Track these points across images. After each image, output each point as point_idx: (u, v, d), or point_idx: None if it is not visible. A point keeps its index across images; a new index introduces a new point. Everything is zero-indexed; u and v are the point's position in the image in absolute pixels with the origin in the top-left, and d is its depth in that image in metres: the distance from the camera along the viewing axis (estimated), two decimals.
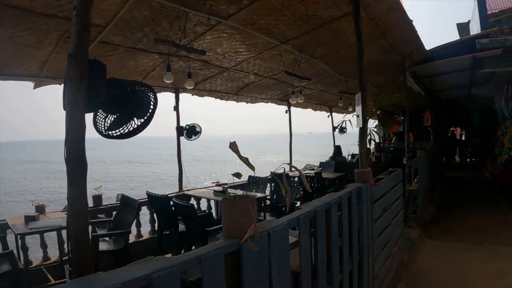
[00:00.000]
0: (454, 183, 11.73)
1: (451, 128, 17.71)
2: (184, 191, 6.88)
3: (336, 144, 11.43)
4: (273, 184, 7.25)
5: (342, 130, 11.80)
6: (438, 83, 9.61)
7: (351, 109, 11.95)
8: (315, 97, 10.54)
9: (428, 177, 8.19)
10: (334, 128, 12.02)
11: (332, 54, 6.63)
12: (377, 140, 16.06)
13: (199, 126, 7.36)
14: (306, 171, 9.35)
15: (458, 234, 6.29)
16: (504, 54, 6.69)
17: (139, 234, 6.03)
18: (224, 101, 8.80)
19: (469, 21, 16.89)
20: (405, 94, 7.48)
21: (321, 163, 10.22)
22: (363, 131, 4.01)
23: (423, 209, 7.30)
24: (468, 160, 17.55)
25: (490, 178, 11.66)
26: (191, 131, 7.28)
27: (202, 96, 8.09)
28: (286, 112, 10.33)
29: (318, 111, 13.16)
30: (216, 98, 8.51)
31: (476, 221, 7.06)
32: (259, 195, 6.11)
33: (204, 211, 6.51)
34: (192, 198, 6.60)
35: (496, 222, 6.90)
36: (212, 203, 6.76)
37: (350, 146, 15.02)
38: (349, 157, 10.98)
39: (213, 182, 8.17)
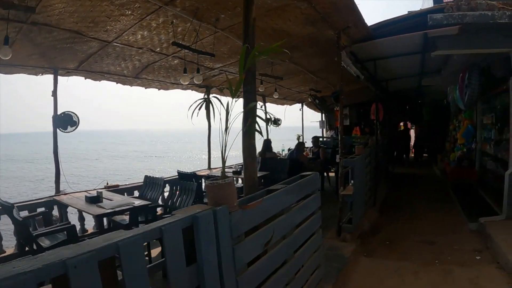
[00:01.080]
0: (402, 181, 10.73)
1: (401, 123, 16.88)
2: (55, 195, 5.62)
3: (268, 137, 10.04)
4: (175, 187, 5.59)
5: (276, 122, 10.32)
6: (384, 70, 8.40)
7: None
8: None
9: (370, 176, 7.06)
10: (267, 121, 10.44)
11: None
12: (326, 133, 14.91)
13: (76, 116, 5.65)
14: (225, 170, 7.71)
15: (403, 248, 5.21)
16: (461, 33, 5.53)
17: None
18: (129, 86, 7.43)
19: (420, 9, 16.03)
20: (344, 80, 6.17)
21: None
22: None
23: (362, 216, 6.10)
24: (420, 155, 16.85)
25: (441, 175, 10.73)
26: (67, 121, 5.53)
27: (97, 79, 6.67)
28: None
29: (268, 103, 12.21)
30: (117, 83, 7.12)
31: (426, 229, 6.05)
32: (137, 203, 4.63)
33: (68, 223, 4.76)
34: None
35: (449, 230, 5.95)
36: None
37: (288, 142, 13.56)
38: (283, 153, 9.44)
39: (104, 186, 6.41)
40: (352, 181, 5.54)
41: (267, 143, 8.68)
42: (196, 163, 32.92)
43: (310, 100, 10.46)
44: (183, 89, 8.37)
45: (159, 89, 7.92)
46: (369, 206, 6.93)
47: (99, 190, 5.30)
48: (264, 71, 7.42)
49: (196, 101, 2.28)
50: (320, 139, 13.90)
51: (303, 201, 3.06)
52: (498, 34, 5.69)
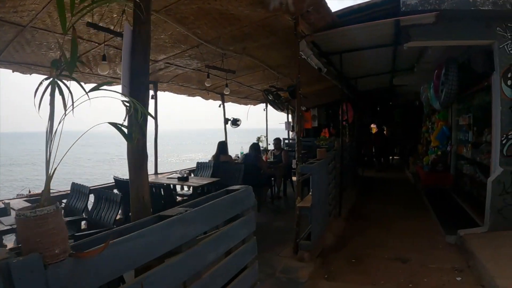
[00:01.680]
0: (372, 186, 10.05)
1: (372, 124, 16.38)
2: None
3: (227, 139, 9.21)
4: (100, 197, 4.61)
5: (235, 123, 9.45)
6: (351, 66, 7.71)
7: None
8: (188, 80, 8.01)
9: (335, 183, 6.33)
10: (226, 121, 9.62)
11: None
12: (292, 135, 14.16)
13: None
14: (172, 175, 6.77)
15: (372, 268, 4.48)
16: (438, 21, 4.92)
17: None
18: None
19: None
20: (310, 77, 5.39)
21: (198, 164, 7.70)
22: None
23: (324, 229, 5.33)
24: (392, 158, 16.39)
25: (414, 180, 10.14)
26: None
27: (25, 72, 5.71)
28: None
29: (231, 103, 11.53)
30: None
31: (398, 243, 5.36)
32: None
33: None
34: None
35: (424, 244, 5.27)
36: None
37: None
38: (239, 156, 8.53)
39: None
40: (311, 190, 4.72)
41: (222, 145, 7.79)
42: (159, 167, 31.51)
43: (263, 96, 9.57)
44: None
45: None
46: (333, 216, 6.17)
47: (7, 201, 4.31)
48: (213, 63, 6.52)
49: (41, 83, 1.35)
50: (286, 141, 13.16)
51: (225, 227, 2.14)
52: (480, 24, 5.06)
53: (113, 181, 5.95)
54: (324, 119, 14.78)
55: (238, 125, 9.88)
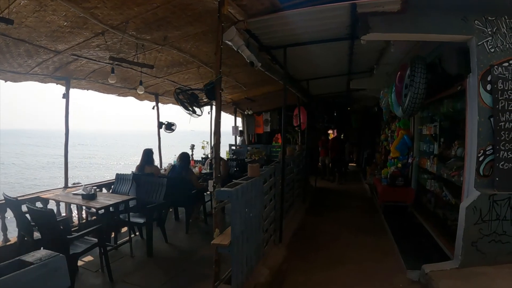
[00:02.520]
0: (325, 201, 9.05)
1: (329, 131, 15.63)
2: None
3: (157, 146, 7.93)
4: None
5: (170, 127, 8.17)
6: (300, 64, 6.71)
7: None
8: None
9: (275, 203, 5.22)
10: (160, 125, 8.29)
11: None
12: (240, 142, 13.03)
13: None
14: (79, 190, 5.39)
15: None
16: (404, 10, 4.00)
17: None
18: None
19: None
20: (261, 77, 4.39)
21: (117, 176, 6.28)
22: None
23: (257, 263, 4.22)
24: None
25: (371, 192, 9.31)
26: None
27: None
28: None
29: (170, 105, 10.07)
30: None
31: (349, 280, 4.40)
32: None
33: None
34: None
35: (381, 282, 4.33)
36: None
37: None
38: (170, 166, 7.14)
39: None
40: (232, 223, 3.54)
41: (147, 153, 6.51)
42: (97, 173, 29.42)
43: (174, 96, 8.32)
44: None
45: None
46: (273, 244, 5.03)
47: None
48: (128, 56, 5.23)
49: None
50: (233, 147, 11.98)
51: None
52: (455, 16, 4.17)
53: None
54: (277, 123, 13.79)
55: (172, 130, 8.59)
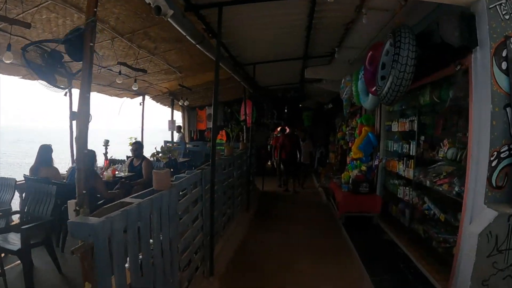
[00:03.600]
0: (273, 209, 7.59)
1: (279, 128, 14.39)
2: None
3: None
4: None
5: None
6: (244, 43, 5.34)
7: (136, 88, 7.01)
8: None
9: (204, 223, 3.83)
10: (73, 116, 6.38)
11: None
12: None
13: None
14: None
15: None
16: None
17: None
18: None
19: None
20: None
21: None
22: None
23: None
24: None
25: (327, 198, 8.15)
26: None
27: None
28: None
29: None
30: None
31: None
32: None
33: None
34: None
35: None
36: None
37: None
38: (70, 168, 5.27)
39: None
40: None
41: (43, 151, 4.77)
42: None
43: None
44: None
45: None
46: (202, 277, 3.56)
47: None
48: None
49: None
50: (169, 144, 10.29)
51: None
52: None
53: None
54: (221, 119, 12.31)
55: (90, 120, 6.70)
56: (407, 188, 5.08)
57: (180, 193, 2.90)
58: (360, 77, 5.35)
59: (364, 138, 6.32)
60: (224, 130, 12.21)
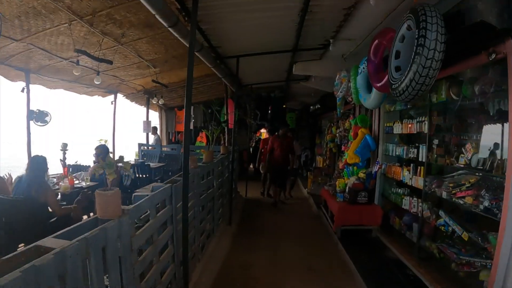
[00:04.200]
0: (258, 220, 6.82)
1: (262, 129, 13.68)
2: None
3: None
4: None
5: (42, 118, 5.68)
6: (226, 31, 4.61)
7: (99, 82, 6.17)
8: None
9: (175, 244, 3.55)
10: (30, 115, 5.70)
11: None
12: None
13: None
14: None
15: None
16: None
17: None
18: None
19: None
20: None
21: None
22: None
23: None
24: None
25: (317, 207, 7.46)
26: None
27: None
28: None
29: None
30: None
31: None
32: None
33: None
34: None
35: None
36: None
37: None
38: (17, 179, 4.33)
39: None
40: None
41: None
42: None
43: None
44: None
45: None
46: None
47: None
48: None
49: None
50: (144, 148, 9.42)
51: None
52: None
53: None
54: (202, 120, 11.51)
55: (46, 122, 5.89)
56: (414, 198, 4.43)
57: (141, 216, 2.13)
58: (360, 71, 4.68)
59: (360, 141, 5.67)
60: (204, 132, 11.43)
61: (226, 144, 8.13)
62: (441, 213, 3.81)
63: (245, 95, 10.72)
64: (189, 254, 3.18)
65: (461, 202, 3.35)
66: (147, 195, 2.12)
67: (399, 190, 4.94)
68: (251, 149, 12.64)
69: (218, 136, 10.84)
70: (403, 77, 2.96)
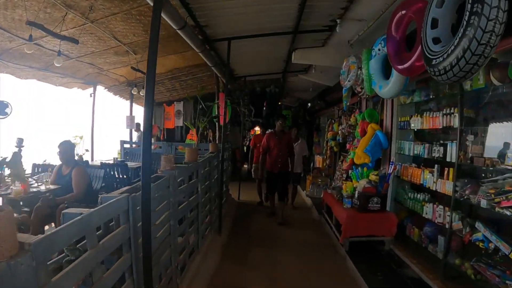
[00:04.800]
0: (250, 228, 6.04)
1: (256, 128, 12.91)
2: None
3: None
4: None
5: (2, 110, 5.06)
6: (220, 11, 3.85)
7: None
8: None
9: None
10: None
11: None
12: None
13: None
14: None
15: None
16: None
17: None
18: None
19: None
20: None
21: None
22: None
23: None
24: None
25: (318, 212, 6.73)
26: None
27: None
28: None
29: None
30: None
31: None
32: None
33: None
34: None
35: None
36: None
37: None
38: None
39: None
40: None
41: None
42: None
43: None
44: None
45: None
46: None
47: None
48: None
49: None
50: (127, 146, 8.64)
51: None
52: None
53: None
54: (193, 116, 10.74)
55: (7, 114, 5.13)
56: (440, 206, 3.72)
57: (79, 245, 1.38)
58: (374, 54, 3.97)
59: (371, 138, 4.95)
60: (195, 129, 10.67)
61: (216, 142, 7.38)
62: (478, 225, 3.10)
63: (238, 90, 10.00)
64: (162, 282, 2.43)
65: (508, 213, 2.66)
66: (80, 215, 1.37)
67: (419, 195, 4.23)
68: (244, 148, 11.89)
69: (206, 131, 10.13)
70: (446, 53, 2.24)
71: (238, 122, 10.76)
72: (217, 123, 8.25)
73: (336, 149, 7.69)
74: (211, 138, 10.24)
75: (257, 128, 13.17)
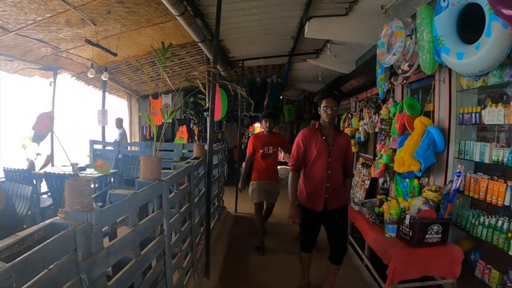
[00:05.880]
0: (250, 262, 4.48)
1: (256, 123, 11.48)
2: None
3: None
4: None
5: None
6: None
7: None
8: None
9: None
10: None
11: None
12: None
13: None
14: None
15: None
16: None
17: None
18: None
19: None
20: None
21: None
22: None
23: None
24: None
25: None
26: None
27: None
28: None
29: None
30: None
31: None
32: None
33: None
34: None
35: None
36: None
37: None
38: None
39: None
40: None
41: None
42: None
43: None
44: None
45: None
46: None
47: None
48: None
49: None
50: (98, 146, 7.25)
51: None
52: None
53: None
54: (183, 111, 9.35)
55: None
56: None
57: None
58: (444, 7, 2.57)
59: (421, 137, 3.55)
60: (185, 126, 9.30)
61: (201, 142, 6.00)
62: None
63: (235, 80, 8.59)
64: None
65: None
66: None
67: (500, 221, 2.84)
68: (242, 146, 10.47)
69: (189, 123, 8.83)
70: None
71: (236, 118, 9.34)
72: (207, 118, 6.87)
73: (355, 150, 6.32)
74: (196, 138, 8.83)
75: (257, 125, 11.76)
